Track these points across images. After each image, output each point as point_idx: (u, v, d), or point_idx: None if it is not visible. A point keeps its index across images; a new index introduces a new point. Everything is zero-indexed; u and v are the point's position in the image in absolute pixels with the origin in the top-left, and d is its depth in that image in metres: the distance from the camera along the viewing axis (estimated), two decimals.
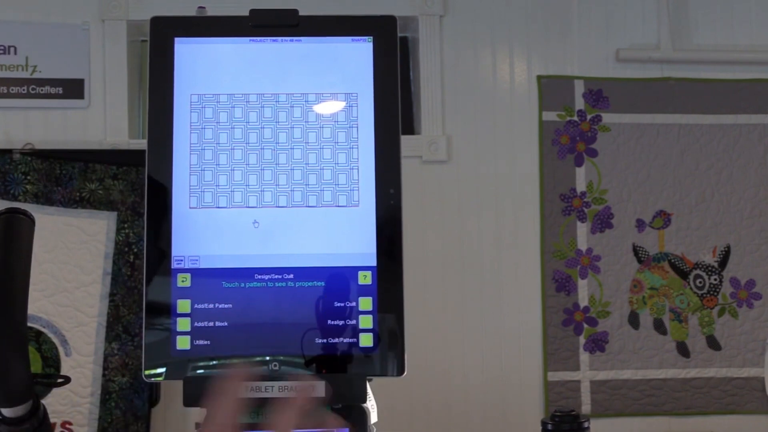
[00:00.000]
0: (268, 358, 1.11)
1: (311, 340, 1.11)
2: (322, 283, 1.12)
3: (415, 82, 2.92)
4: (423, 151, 2.82)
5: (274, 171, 1.15)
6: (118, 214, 2.65)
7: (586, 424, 1.49)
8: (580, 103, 2.89)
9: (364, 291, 1.12)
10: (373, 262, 1.13)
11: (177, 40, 1.17)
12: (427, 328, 2.77)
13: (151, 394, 2.61)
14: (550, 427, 1.50)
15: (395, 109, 1.16)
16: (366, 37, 1.18)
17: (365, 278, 1.12)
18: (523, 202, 2.86)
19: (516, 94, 2.90)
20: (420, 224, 2.79)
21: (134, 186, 2.65)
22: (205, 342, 1.11)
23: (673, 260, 2.88)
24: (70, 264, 2.61)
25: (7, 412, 1.14)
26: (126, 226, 2.64)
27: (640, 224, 2.88)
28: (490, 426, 2.78)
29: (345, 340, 1.11)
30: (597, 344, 2.82)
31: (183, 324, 1.11)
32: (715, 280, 2.89)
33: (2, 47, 2.74)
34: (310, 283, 1.12)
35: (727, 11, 2.99)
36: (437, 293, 2.80)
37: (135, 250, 2.63)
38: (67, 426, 2.55)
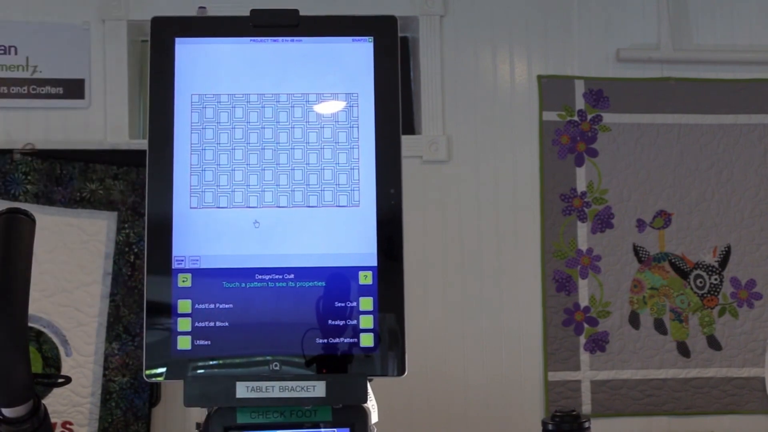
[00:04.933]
0: (268, 358, 1.11)
1: (312, 340, 1.11)
2: (323, 283, 1.12)
3: (415, 82, 2.92)
4: (423, 151, 2.82)
5: (274, 171, 1.15)
6: (119, 214, 2.65)
7: (586, 424, 1.49)
8: (580, 103, 2.89)
9: (364, 291, 1.12)
10: (374, 262, 1.13)
11: (178, 40, 1.17)
12: (428, 328, 2.76)
13: (152, 393, 2.61)
14: (550, 427, 1.50)
15: (396, 109, 1.17)
16: (366, 37, 1.18)
17: (366, 278, 1.13)
18: (523, 202, 2.86)
19: (516, 94, 2.90)
20: (420, 224, 2.79)
21: (135, 186, 2.65)
22: (206, 342, 1.11)
23: (673, 260, 2.88)
24: (70, 264, 2.61)
25: (7, 412, 1.14)
26: (126, 226, 2.64)
27: (641, 224, 2.87)
28: (491, 426, 2.78)
29: (346, 340, 1.12)
30: (597, 344, 2.82)
31: (184, 324, 1.11)
32: (716, 279, 2.89)
33: (3, 47, 2.74)
34: (310, 283, 1.12)
35: (727, 11, 2.99)
36: (437, 293, 2.80)
37: (135, 250, 2.63)
38: (68, 426, 2.55)
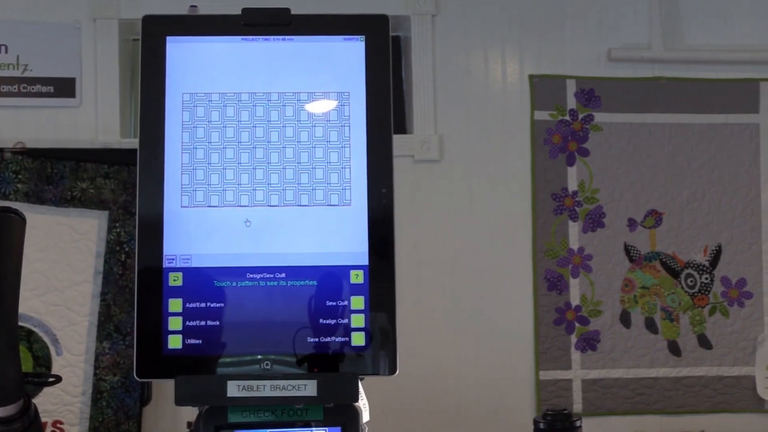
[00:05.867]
0: (260, 357, 1.11)
1: (303, 338, 1.11)
2: (314, 282, 1.12)
3: (407, 82, 2.92)
4: (415, 150, 2.82)
5: (265, 170, 1.15)
6: (110, 213, 2.64)
7: (578, 423, 1.49)
8: (571, 103, 2.89)
9: (356, 290, 1.12)
10: (365, 261, 1.13)
11: (169, 38, 1.17)
12: (419, 327, 2.76)
13: (143, 393, 2.60)
14: (542, 425, 1.50)
15: (387, 108, 1.17)
16: (358, 36, 1.18)
17: (357, 277, 1.13)
18: (514, 201, 2.86)
19: (508, 93, 2.90)
20: (412, 223, 2.79)
21: (126, 185, 2.64)
22: (197, 341, 1.11)
23: (664, 259, 2.88)
24: (61, 263, 2.61)
25: None
26: (117, 225, 2.63)
27: (632, 223, 2.88)
28: (482, 425, 2.79)
29: (337, 339, 1.12)
30: (588, 343, 2.83)
31: (175, 323, 1.11)
32: (706, 279, 2.89)
33: None
34: (302, 282, 1.12)
35: (719, 11, 2.99)
36: (429, 292, 2.80)
37: (126, 249, 2.62)
38: (59, 425, 2.55)
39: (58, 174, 2.63)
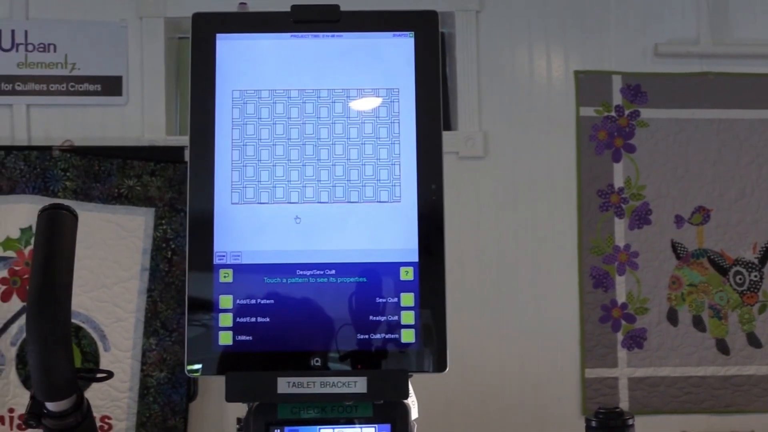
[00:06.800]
0: (309, 353, 1.11)
1: (353, 335, 1.11)
2: (364, 279, 1.12)
3: (451, 78, 2.91)
4: (460, 147, 2.81)
5: (315, 167, 1.15)
6: (156, 210, 2.66)
7: (630, 421, 1.47)
8: (617, 99, 2.86)
9: (405, 287, 1.12)
10: (415, 258, 1.12)
11: (218, 36, 1.17)
12: (465, 324, 2.75)
13: (189, 388, 2.62)
14: (594, 424, 1.48)
15: (437, 104, 1.16)
16: (408, 33, 1.18)
17: (407, 274, 1.12)
18: (560, 197, 2.84)
19: (553, 89, 2.88)
20: (457, 220, 2.78)
21: (172, 182, 2.66)
22: (247, 337, 1.11)
23: (712, 256, 2.85)
24: (108, 260, 2.63)
25: (51, 406, 1.15)
26: (164, 222, 2.65)
27: (679, 220, 2.85)
28: (528, 422, 2.77)
29: (387, 336, 1.11)
30: (635, 341, 2.80)
31: (225, 319, 1.11)
32: (756, 276, 2.85)
33: (42, 45, 2.77)
34: (351, 279, 1.12)
35: None
36: (474, 289, 2.79)
37: (173, 245, 2.64)
38: (106, 420, 2.58)
39: (106, 171, 2.66)
